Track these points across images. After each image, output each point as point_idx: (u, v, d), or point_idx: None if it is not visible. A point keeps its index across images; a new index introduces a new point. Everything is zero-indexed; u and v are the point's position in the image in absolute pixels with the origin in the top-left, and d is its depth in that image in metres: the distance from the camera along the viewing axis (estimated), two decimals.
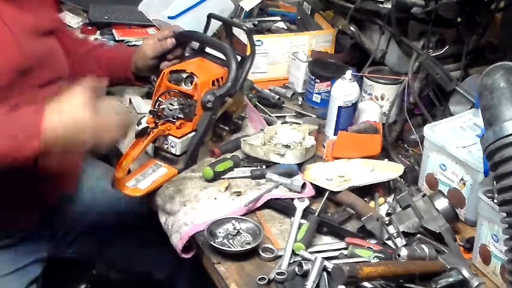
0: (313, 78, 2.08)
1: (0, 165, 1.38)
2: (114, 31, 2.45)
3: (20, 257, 1.73)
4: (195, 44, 1.89)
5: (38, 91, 1.59)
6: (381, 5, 1.91)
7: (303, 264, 1.41)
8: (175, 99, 1.69)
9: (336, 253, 1.49)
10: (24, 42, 1.56)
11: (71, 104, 1.39)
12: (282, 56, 2.20)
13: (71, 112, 1.37)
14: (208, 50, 1.84)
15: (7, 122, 1.38)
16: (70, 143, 1.38)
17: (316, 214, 1.55)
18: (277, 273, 1.40)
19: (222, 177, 1.68)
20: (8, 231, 1.69)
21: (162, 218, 1.63)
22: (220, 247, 1.47)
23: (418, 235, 1.52)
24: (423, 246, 1.44)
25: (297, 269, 1.42)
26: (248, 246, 1.47)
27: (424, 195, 1.57)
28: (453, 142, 1.63)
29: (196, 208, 1.58)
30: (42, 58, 1.62)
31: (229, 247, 1.48)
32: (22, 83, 1.56)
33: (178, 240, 1.54)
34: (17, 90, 1.54)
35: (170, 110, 1.67)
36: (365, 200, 1.63)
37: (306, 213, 1.56)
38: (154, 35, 1.84)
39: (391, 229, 1.52)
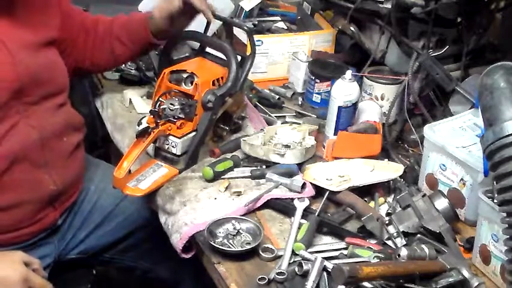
0: (313, 78, 2.08)
1: None
2: None
3: None
4: (196, 44, 1.89)
5: (33, 108, 1.60)
6: (381, 5, 1.91)
7: (303, 264, 1.41)
8: (176, 99, 1.69)
9: (336, 253, 1.49)
10: (21, 59, 1.56)
11: None
12: (282, 56, 2.20)
13: None
14: (208, 50, 1.84)
15: None
16: None
17: (316, 214, 1.55)
18: (277, 273, 1.40)
19: (222, 177, 1.69)
20: (21, 242, 1.68)
21: (162, 218, 1.63)
22: (220, 247, 1.47)
23: (418, 235, 1.52)
24: (423, 246, 1.44)
25: (297, 269, 1.42)
26: (248, 246, 1.47)
27: (424, 195, 1.57)
28: (453, 142, 1.63)
29: (196, 208, 1.58)
30: (39, 73, 1.61)
31: (229, 247, 1.48)
32: (18, 101, 1.56)
33: (178, 240, 1.54)
34: (14, 109, 1.55)
35: (171, 110, 1.67)
36: (365, 200, 1.63)
37: (306, 213, 1.56)
38: None
39: (391, 229, 1.52)
